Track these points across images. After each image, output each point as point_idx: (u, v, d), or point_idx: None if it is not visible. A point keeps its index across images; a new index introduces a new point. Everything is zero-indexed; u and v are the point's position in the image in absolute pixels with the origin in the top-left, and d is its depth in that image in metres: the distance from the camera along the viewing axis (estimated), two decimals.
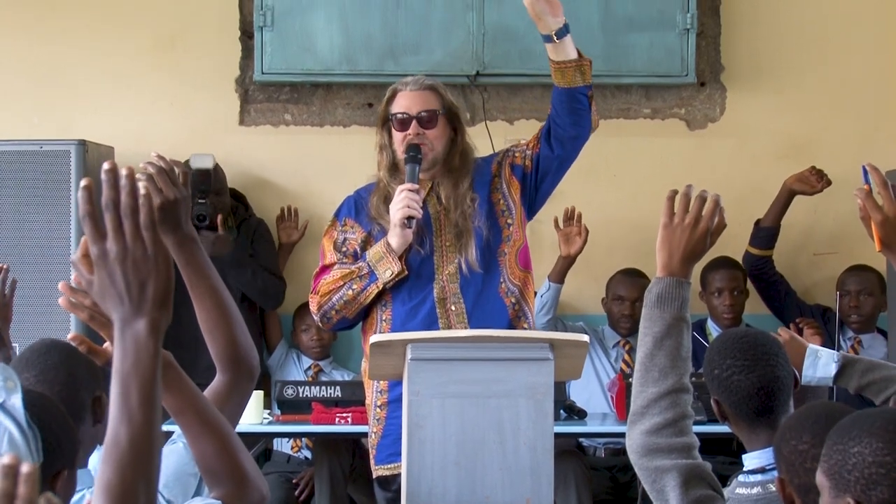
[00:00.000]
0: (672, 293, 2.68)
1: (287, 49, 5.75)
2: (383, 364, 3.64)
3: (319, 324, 4.28)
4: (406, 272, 4.09)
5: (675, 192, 2.74)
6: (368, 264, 4.10)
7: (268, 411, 5.11)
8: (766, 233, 5.78)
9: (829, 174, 5.76)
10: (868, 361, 3.20)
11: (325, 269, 4.20)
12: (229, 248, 5.54)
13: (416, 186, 4.05)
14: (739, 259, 5.82)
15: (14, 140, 5.47)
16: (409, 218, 4.03)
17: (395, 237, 4.06)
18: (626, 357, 5.72)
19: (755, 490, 2.66)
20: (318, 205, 5.95)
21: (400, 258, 4.07)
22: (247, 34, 5.94)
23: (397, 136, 4.17)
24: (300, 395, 5.02)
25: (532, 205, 4.25)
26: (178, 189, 2.58)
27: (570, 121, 4.11)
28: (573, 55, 4.07)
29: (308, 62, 5.78)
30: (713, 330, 5.78)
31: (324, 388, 5.06)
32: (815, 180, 5.74)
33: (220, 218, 5.52)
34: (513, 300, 4.13)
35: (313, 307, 4.20)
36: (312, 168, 6.02)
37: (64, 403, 2.33)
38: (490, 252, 4.14)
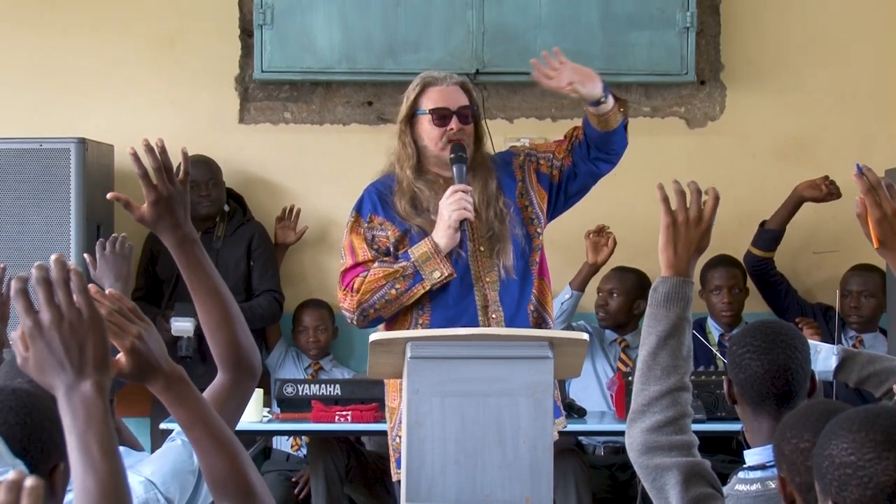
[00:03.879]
0: (678, 293, 2.68)
1: (287, 47, 5.75)
2: (383, 362, 3.63)
3: (353, 321, 4.12)
4: (455, 275, 4.02)
5: (665, 194, 2.73)
6: (414, 264, 4.01)
7: (267, 409, 5.11)
8: (770, 235, 5.78)
9: (829, 174, 5.76)
10: (868, 354, 3.20)
11: (358, 266, 4.07)
12: None
13: (469, 188, 4.00)
14: (739, 257, 5.82)
15: (14, 138, 5.47)
16: (464, 220, 3.97)
17: (444, 238, 3.98)
18: (622, 355, 5.72)
19: (755, 487, 2.66)
20: (317, 203, 5.96)
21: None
22: (246, 32, 5.94)
23: (433, 131, 4.08)
24: (300, 393, 5.02)
25: (554, 213, 4.23)
26: (175, 185, 2.56)
27: (610, 148, 4.13)
28: (612, 100, 4.06)
29: (308, 60, 5.78)
30: (713, 329, 5.78)
31: (323, 386, 5.05)
32: (826, 190, 5.72)
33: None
34: (532, 308, 4.11)
35: (350, 304, 4.07)
36: (312, 166, 6.02)
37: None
38: (524, 260, 4.10)
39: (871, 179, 2.73)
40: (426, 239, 4.02)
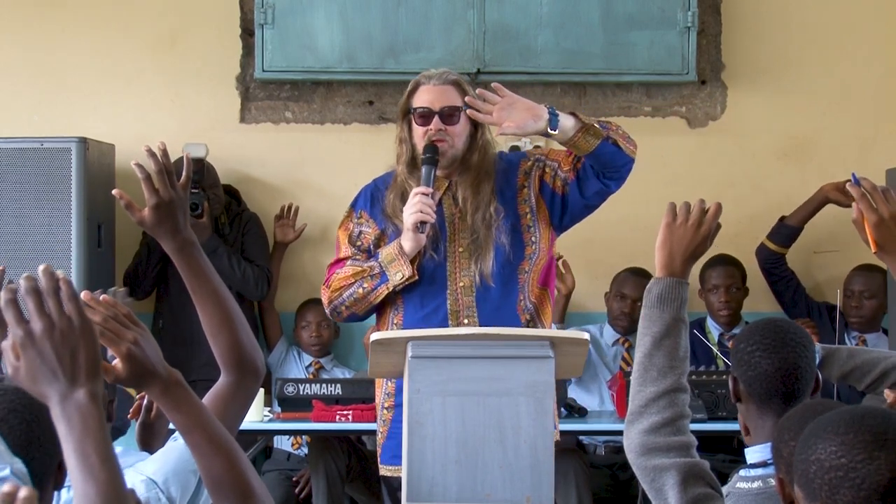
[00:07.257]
0: (672, 293, 2.69)
1: (288, 47, 5.76)
2: (383, 362, 3.64)
3: (330, 317, 4.22)
4: (417, 277, 4.00)
5: (673, 203, 2.76)
6: (380, 264, 4.02)
7: (268, 409, 5.11)
8: (788, 231, 5.79)
9: (829, 173, 5.76)
10: (848, 349, 3.20)
11: (339, 261, 4.12)
12: (206, 235, 5.50)
13: (430, 190, 3.95)
14: (745, 255, 5.82)
15: (15, 137, 5.47)
16: (422, 223, 3.94)
17: (408, 241, 3.97)
18: (626, 355, 5.72)
19: (756, 484, 2.66)
20: (318, 202, 5.96)
21: (412, 261, 3.99)
22: (247, 32, 5.95)
23: (418, 130, 4.06)
24: (301, 392, 5.02)
25: (561, 225, 4.12)
26: (176, 191, 2.56)
27: (612, 169, 3.99)
28: (571, 124, 3.88)
29: (309, 60, 5.79)
30: (712, 328, 5.78)
31: (324, 385, 5.05)
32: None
33: (205, 206, 5.52)
34: (527, 317, 4.04)
35: (324, 300, 4.13)
36: (313, 165, 6.02)
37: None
38: (510, 267, 4.03)
39: (866, 186, 2.74)
40: (395, 240, 4.03)
